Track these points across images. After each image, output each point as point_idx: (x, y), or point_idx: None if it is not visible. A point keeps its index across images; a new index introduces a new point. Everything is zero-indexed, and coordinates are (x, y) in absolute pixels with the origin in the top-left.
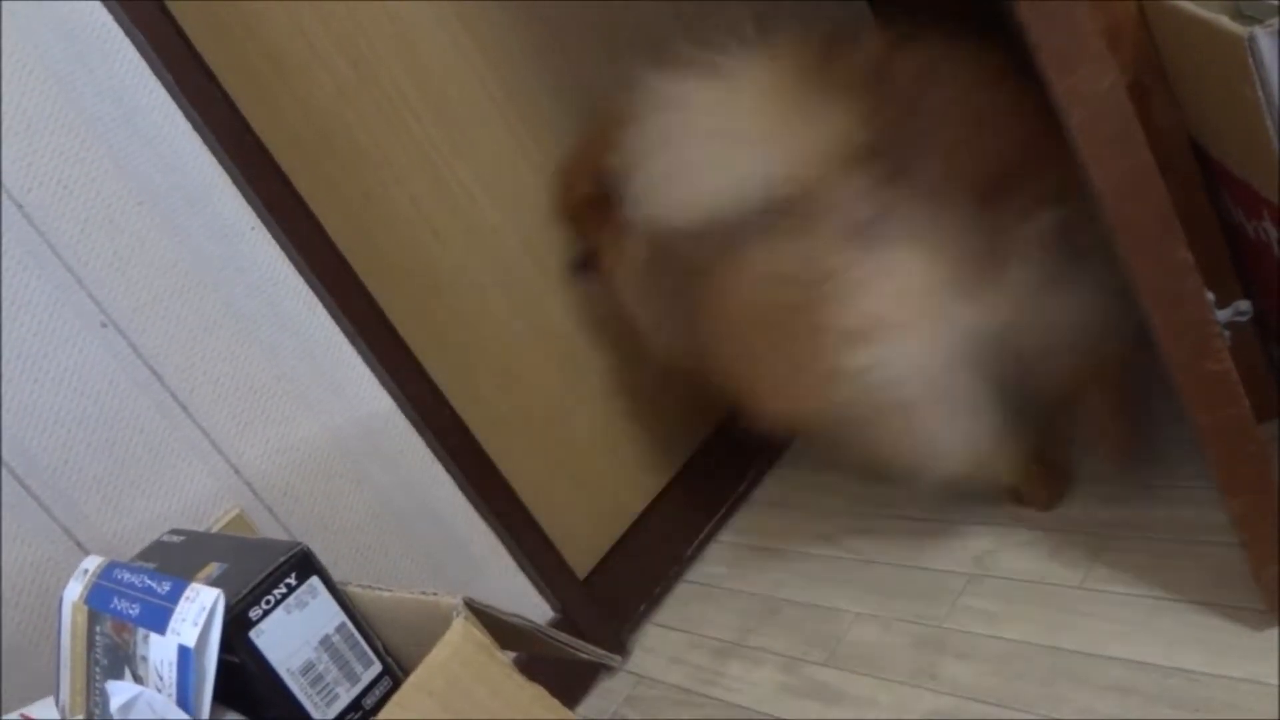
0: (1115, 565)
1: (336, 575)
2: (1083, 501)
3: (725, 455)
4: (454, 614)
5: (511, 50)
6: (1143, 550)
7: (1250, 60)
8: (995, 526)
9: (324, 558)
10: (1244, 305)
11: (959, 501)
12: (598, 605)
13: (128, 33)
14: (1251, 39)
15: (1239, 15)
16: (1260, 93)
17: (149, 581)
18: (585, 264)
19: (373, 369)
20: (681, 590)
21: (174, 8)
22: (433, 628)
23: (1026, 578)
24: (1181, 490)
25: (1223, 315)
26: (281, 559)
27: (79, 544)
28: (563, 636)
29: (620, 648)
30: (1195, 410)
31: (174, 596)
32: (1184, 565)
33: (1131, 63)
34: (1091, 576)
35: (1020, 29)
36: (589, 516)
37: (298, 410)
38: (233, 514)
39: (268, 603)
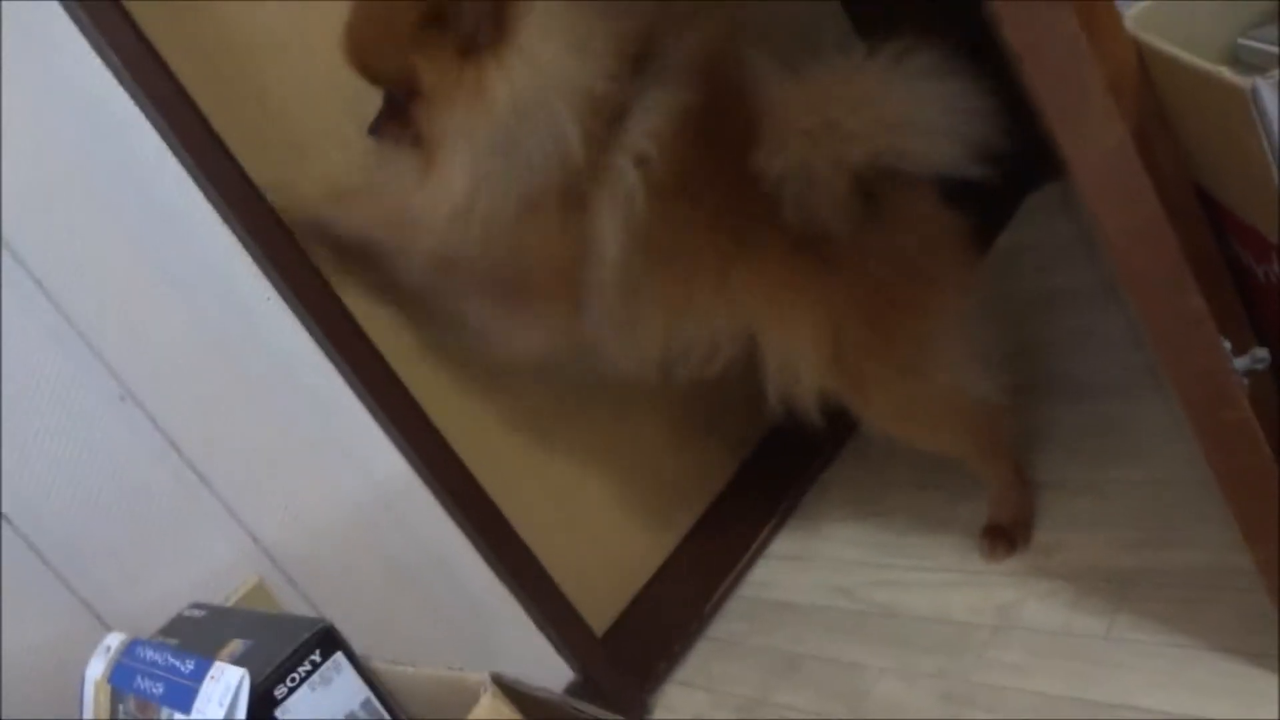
0: (1139, 613)
1: (355, 642)
2: (1101, 548)
3: (740, 509)
4: (482, 689)
5: None
6: (1165, 598)
7: (1253, 111)
8: (1017, 577)
9: (342, 625)
10: (1261, 353)
11: (978, 552)
12: (617, 664)
13: (146, 113)
14: (1254, 90)
15: (1237, 61)
16: (1265, 142)
17: (172, 660)
18: (398, 108)
19: (388, 433)
20: (702, 647)
21: (192, 88)
22: (460, 702)
23: (1051, 628)
24: (1200, 534)
25: (1240, 364)
26: (305, 636)
27: (99, 618)
28: (591, 709)
29: (642, 707)
30: (1214, 458)
31: (198, 675)
32: (1208, 612)
33: (1133, 112)
34: (1116, 625)
35: (1027, 88)
36: (606, 574)
37: (314, 477)
38: (252, 583)
39: (292, 680)
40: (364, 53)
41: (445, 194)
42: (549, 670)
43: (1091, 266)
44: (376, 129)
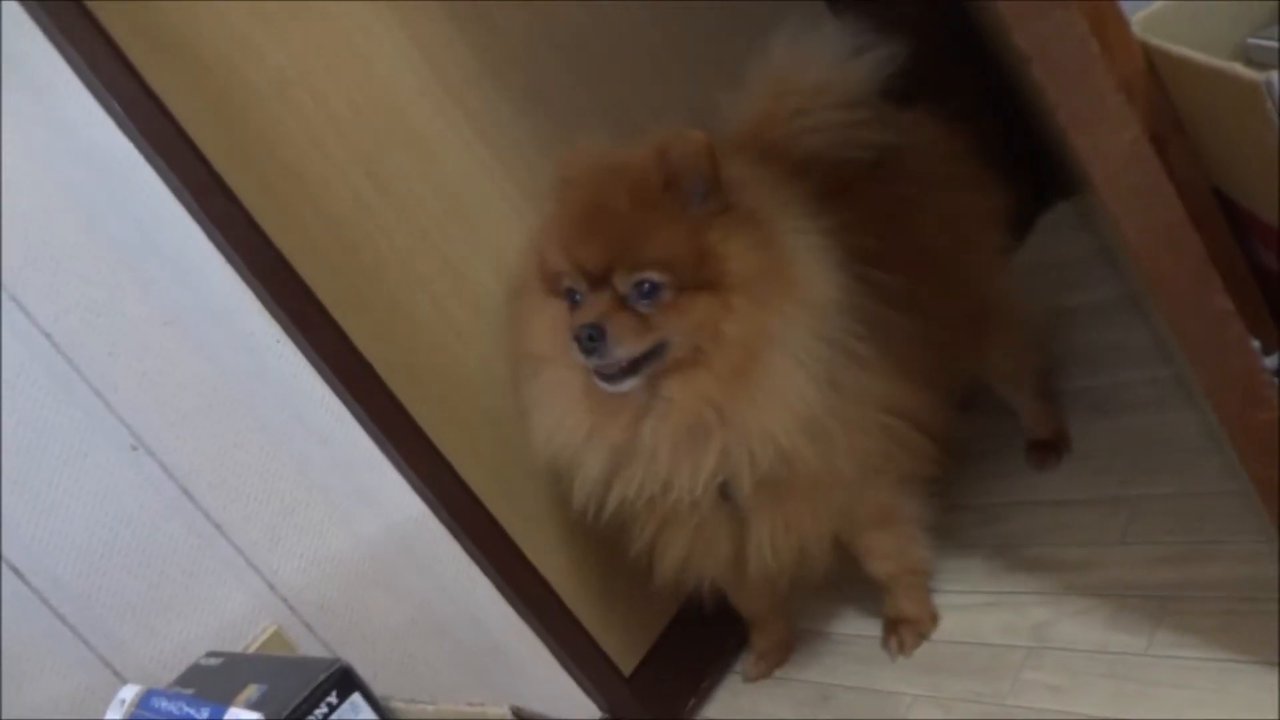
0: (1179, 629)
1: (378, 687)
2: (1137, 564)
3: None
4: None
5: (522, 147)
6: (1206, 611)
7: (1269, 105)
8: (1051, 595)
9: (363, 670)
10: None
11: (1009, 572)
12: (646, 702)
13: (149, 159)
14: (1269, 84)
15: (1248, 60)
16: None
17: (188, 709)
18: (629, 303)
19: (403, 474)
20: (731, 682)
21: (194, 132)
22: None
23: (1089, 647)
24: (1238, 546)
25: (1271, 362)
26: (321, 677)
27: (116, 671)
28: None
29: None
30: (1250, 462)
31: None
32: (1250, 625)
33: (1146, 115)
34: (1156, 642)
35: (1037, 89)
36: (630, 610)
37: (330, 521)
38: (270, 631)
39: None
40: (639, 237)
41: (792, 404)
42: (575, 710)
43: (1113, 281)
44: (603, 339)
